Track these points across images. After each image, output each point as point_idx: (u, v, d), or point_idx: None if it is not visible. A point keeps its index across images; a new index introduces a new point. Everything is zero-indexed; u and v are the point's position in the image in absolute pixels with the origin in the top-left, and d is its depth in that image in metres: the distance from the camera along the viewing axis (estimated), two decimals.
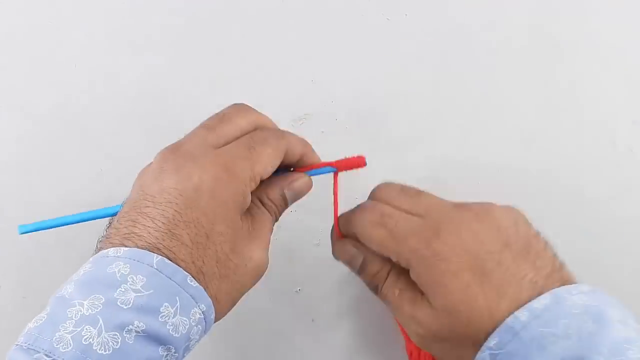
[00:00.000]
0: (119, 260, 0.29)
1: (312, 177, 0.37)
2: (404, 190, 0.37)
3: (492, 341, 0.29)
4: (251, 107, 0.37)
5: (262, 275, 0.35)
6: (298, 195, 0.37)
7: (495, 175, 0.49)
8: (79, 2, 0.48)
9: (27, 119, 0.47)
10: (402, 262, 0.33)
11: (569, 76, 0.51)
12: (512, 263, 0.31)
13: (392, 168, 0.49)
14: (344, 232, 0.38)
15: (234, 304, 0.33)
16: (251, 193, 0.34)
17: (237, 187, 0.32)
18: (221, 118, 0.35)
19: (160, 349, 0.28)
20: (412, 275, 0.33)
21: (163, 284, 0.29)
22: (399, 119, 0.50)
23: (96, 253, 0.31)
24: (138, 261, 0.29)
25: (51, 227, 0.36)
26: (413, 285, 0.33)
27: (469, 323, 0.30)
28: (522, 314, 0.29)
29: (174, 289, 0.29)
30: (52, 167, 0.47)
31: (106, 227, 0.34)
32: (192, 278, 0.29)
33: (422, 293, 0.32)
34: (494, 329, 0.29)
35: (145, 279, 0.28)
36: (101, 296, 0.27)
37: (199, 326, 0.30)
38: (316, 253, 0.49)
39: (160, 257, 0.29)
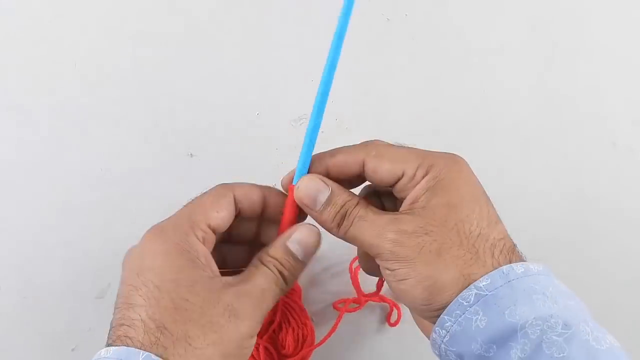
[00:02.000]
0: None
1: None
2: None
3: (482, 282, 0.30)
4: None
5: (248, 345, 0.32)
6: (308, 248, 0.35)
7: (495, 175, 0.49)
8: (79, 2, 0.48)
9: (27, 119, 0.47)
10: (420, 170, 0.33)
11: (569, 76, 0.51)
12: (499, 221, 0.33)
13: None
14: (321, 164, 0.36)
15: None
16: (254, 255, 0.34)
17: (177, 242, 0.32)
18: None
19: None
20: (425, 180, 0.33)
21: None
22: (399, 119, 0.50)
23: None
24: None
25: None
26: (385, 211, 0.34)
27: (467, 219, 0.31)
28: (518, 267, 0.30)
29: None
30: (52, 167, 0.47)
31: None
32: None
33: (399, 212, 0.33)
34: (489, 236, 0.31)
35: None
36: None
37: None
38: (316, 253, 0.49)
39: (147, 353, 0.28)
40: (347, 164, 0.35)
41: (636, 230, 0.52)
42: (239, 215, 0.36)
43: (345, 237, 0.35)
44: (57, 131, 0.47)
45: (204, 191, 0.35)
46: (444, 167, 0.33)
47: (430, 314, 0.32)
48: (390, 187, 0.35)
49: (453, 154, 0.35)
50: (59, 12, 0.48)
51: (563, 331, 0.28)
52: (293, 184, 0.35)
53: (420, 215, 0.32)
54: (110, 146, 0.48)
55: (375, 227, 0.33)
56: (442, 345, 0.31)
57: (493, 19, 0.51)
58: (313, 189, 0.35)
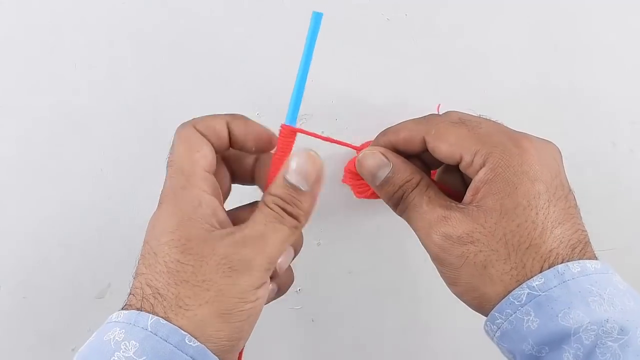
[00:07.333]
0: (117, 326, 0.28)
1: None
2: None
3: (535, 281, 0.28)
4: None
5: (257, 303, 0.31)
6: (309, 174, 0.30)
7: None
8: (79, 2, 0.48)
9: (27, 119, 0.47)
10: (477, 157, 0.31)
11: (569, 76, 0.51)
12: (576, 206, 0.32)
13: None
14: (385, 140, 0.35)
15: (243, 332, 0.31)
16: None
17: (182, 202, 0.30)
18: None
19: None
20: (483, 172, 0.31)
21: (157, 348, 0.27)
22: (399, 119, 0.50)
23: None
24: (133, 324, 0.28)
25: None
26: (443, 196, 0.32)
27: (518, 230, 0.29)
28: (574, 266, 0.29)
29: (169, 352, 0.27)
30: (52, 167, 0.47)
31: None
32: (191, 337, 0.27)
33: (456, 202, 0.31)
34: (540, 247, 0.29)
35: (138, 344, 0.27)
36: None
37: None
38: (316, 253, 0.49)
39: (156, 317, 0.28)
40: (410, 141, 0.34)
41: (636, 230, 0.52)
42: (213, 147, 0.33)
43: (403, 218, 0.33)
44: (57, 131, 0.47)
45: (170, 145, 0.33)
46: (502, 158, 0.30)
47: (482, 313, 0.31)
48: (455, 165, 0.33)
49: (520, 137, 0.32)
50: (59, 12, 0.48)
51: (619, 337, 0.27)
52: (285, 123, 0.33)
53: (471, 217, 0.30)
54: (110, 146, 0.48)
55: (425, 223, 0.31)
56: (495, 339, 0.30)
57: (493, 19, 0.51)
58: (373, 165, 0.34)
